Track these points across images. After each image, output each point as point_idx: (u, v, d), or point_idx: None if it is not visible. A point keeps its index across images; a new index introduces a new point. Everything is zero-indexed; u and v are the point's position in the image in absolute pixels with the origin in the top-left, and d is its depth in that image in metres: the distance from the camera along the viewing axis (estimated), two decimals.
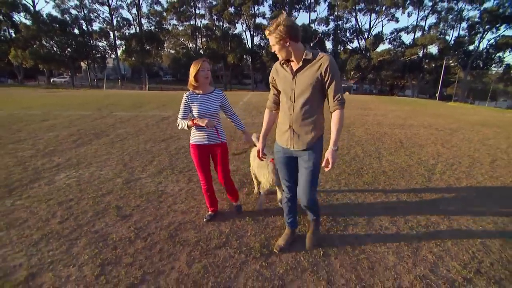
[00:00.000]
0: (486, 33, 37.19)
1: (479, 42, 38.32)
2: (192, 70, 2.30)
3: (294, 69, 1.87)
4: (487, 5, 35.90)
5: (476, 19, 36.95)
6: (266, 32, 1.81)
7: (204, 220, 2.73)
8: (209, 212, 2.80)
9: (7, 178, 3.80)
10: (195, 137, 2.49)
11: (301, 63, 1.83)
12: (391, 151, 5.43)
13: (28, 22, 37.67)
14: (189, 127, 2.35)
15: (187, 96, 2.41)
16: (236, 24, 44.04)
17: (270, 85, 2.11)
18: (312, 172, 1.98)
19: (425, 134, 7.26)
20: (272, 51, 1.86)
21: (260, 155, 2.20)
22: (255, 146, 2.79)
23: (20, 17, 38.43)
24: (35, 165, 4.35)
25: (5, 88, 29.20)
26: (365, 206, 3.12)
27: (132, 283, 1.94)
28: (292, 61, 1.88)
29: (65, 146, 5.52)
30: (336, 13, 42.23)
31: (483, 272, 2.09)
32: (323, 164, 1.87)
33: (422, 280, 1.98)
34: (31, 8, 37.81)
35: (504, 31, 35.99)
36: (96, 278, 1.99)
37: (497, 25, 35.41)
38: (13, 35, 38.48)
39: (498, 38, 36.06)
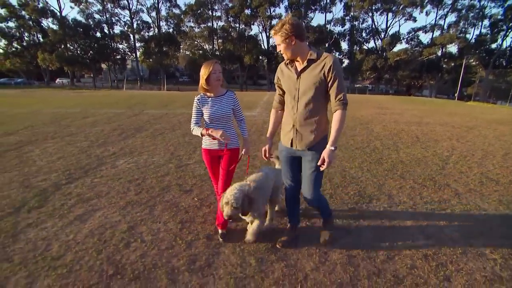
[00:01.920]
0: (510, 30, 36.15)
1: (502, 40, 37.36)
2: (203, 73, 2.20)
3: (299, 69, 1.90)
4: (510, 1, 34.91)
5: (500, 16, 35.98)
6: (272, 32, 1.83)
7: (220, 239, 2.43)
8: (220, 231, 2.50)
9: (78, 163, 4.56)
10: (206, 141, 2.39)
11: (305, 63, 1.86)
12: (408, 145, 5.88)
13: (55, 27, 39.93)
14: (202, 135, 2.27)
15: (197, 100, 2.31)
16: (252, 26, 44.79)
17: (276, 85, 2.14)
18: (315, 172, 2.00)
19: (441, 131, 7.61)
20: (278, 50, 1.89)
21: (267, 155, 2.24)
22: (277, 162, 2.70)
23: (48, 23, 40.70)
24: (95, 153, 5.10)
25: (35, 89, 31.12)
26: (386, 186, 3.64)
27: (208, 234, 2.56)
28: (297, 61, 1.91)
29: (113, 138, 6.29)
30: (352, 13, 42.19)
31: (484, 233, 2.59)
32: (319, 163, 1.87)
33: (434, 237, 2.50)
34: (58, 13, 40.03)
35: None
36: (180, 230, 2.63)
37: None
38: (41, 39, 40.87)
39: None
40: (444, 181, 3.86)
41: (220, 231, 2.51)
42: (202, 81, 2.22)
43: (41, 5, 38.34)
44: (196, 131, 2.28)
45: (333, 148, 1.84)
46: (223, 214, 2.08)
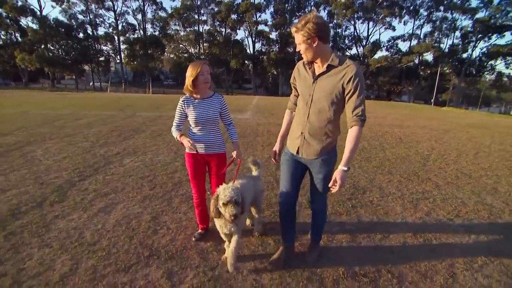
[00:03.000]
0: (478, 42, 38.83)
1: (472, 51, 39.99)
2: (190, 73, 2.06)
3: (317, 73, 1.74)
4: (479, 15, 37.59)
5: (469, 29, 38.61)
6: (293, 29, 1.65)
7: (193, 239, 2.46)
8: (199, 230, 2.56)
9: (85, 161, 4.71)
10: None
11: (325, 68, 1.69)
12: (392, 145, 6.43)
13: (35, 26, 38.62)
14: (177, 140, 2.15)
15: (182, 101, 2.18)
16: (238, 30, 45.36)
17: (292, 85, 2.00)
18: (323, 183, 1.91)
19: (421, 133, 8.30)
20: (297, 50, 1.70)
21: (276, 157, 2.11)
22: (255, 167, 2.61)
23: (27, 21, 39.33)
24: (100, 153, 5.25)
25: (12, 90, 29.91)
26: (376, 180, 4.09)
27: None
28: (316, 63, 1.74)
29: (113, 139, 6.43)
30: (335, 21, 43.71)
31: (460, 216, 3.06)
32: (330, 184, 1.70)
33: (420, 219, 2.94)
34: (38, 12, 38.77)
35: (496, 40, 37.68)
36: None
37: (489, 35, 37.03)
38: (19, 38, 39.36)
39: (490, 47, 37.66)
40: (426, 176, 4.37)
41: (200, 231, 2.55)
42: (188, 82, 2.09)
43: (20, 3, 37.00)
44: (175, 134, 2.17)
45: (345, 168, 1.65)
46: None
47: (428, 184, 4.02)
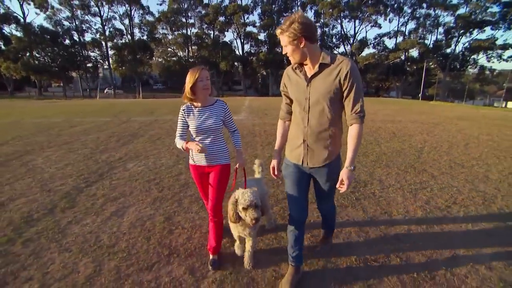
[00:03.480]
0: (461, 37, 40.01)
1: (455, 46, 41.18)
2: (189, 80, 1.97)
3: (309, 74, 1.64)
4: (460, 11, 38.76)
5: (452, 25, 39.75)
6: (278, 31, 1.58)
7: (210, 268, 2.17)
8: (211, 257, 2.25)
9: (88, 168, 4.73)
10: (193, 156, 2.19)
11: (317, 68, 1.59)
12: (387, 140, 6.66)
13: (19, 34, 37.74)
14: (184, 150, 2.05)
15: (183, 110, 2.09)
16: (226, 33, 45.44)
17: (282, 93, 1.88)
18: (330, 190, 1.88)
19: (413, 127, 8.59)
20: (284, 53, 1.63)
21: (276, 173, 1.95)
22: (258, 170, 2.62)
23: (11, 29, 38.43)
24: (101, 159, 5.27)
25: None
26: (375, 174, 4.27)
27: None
28: (306, 65, 1.65)
29: (112, 145, 6.43)
30: (322, 20, 44.31)
31: (457, 203, 3.25)
32: (337, 185, 1.66)
33: (421, 208, 3.12)
34: (22, 20, 37.92)
35: (477, 35, 38.93)
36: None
37: (470, 30, 38.22)
38: (3, 47, 38.42)
39: (471, 42, 38.86)
40: (422, 167, 4.58)
41: (211, 256, 2.24)
42: (186, 89, 1.99)
43: (2, 11, 36.14)
44: (179, 144, 2.07)
45: (352, 168, 1.61)
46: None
47: (424, 175, 4.22)
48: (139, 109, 15.06)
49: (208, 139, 2.11)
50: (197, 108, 2.09)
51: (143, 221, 2.94)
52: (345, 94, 1.59)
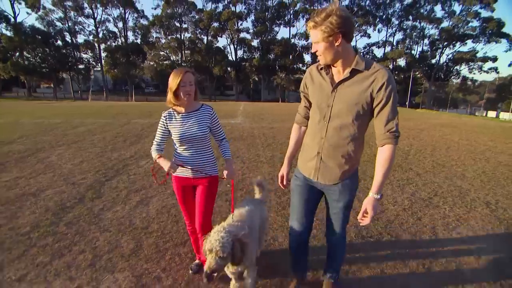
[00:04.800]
0: (445, 48, 41.96)
1: (440, 57, 43.09)
2: (172, 84, 1.79)
3: (336, 79, 1.45)
4: (444, 24, 40.77)
5: (436, 37, 41.70)
6: (310, 24, 1.34)
7: (190, 272, 2.15)
8: (196, 261, 2.25)
9: (104, 165, 5.07)
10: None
11: (347, 73, 1.40)
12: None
13: (8, 33, 37.17)
14: (155, 162, 1.88)
15: (164, 116, 1.89)
16: (219, 38, 46.04)
17: (301, 94, 1.69)
18: (343, 212, 1.64)
19: (400, 132, 9.23)
20: (313, 51, 1.40)
21: (284, 182, 1.77)
22: (260, 189, 2.32)
23: (1, 28, 37.80)
24: (113, 157, 5.60)
25: None
26: (367, 172, 4.78)
27: None
28: (335, 67, 1.44)
29: (120, 145, 6.76)
30: None
31: (438, 195, 3.80)
32: (358, 217, 1.45)
33: (407, 199, 3.64)
34: (12, 19, 37.40)
35: (459, 47, 40.96)
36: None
37: (453, 42, 40.20)
38: None
39: (454, 53, 40.84)
40: (408, 167, 5.15)
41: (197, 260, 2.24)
42: (170, 94, 1.81)
43: None
44: (153, 154, 1.89)
45: (378, 196, 1.41)
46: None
47: (410, 173, 4.78)
48: (136, 112, 15.30)
49: (193, 148, 1.90)
50: (180, 114, 1.89)
51: (168, 208, 3.33)
52: (377, 109, 1.38)
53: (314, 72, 1.57)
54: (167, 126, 1.89)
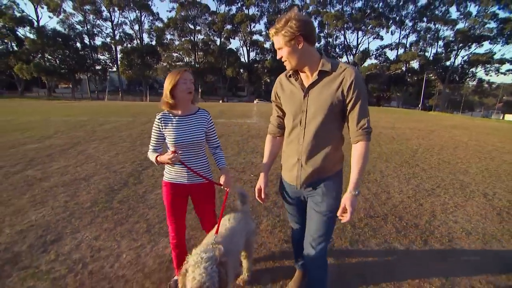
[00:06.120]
0: (460, 50, 41.43)
1: (455, 59, 42.58)
2: (168, 83, 1.70)
3: (306, 84, 1.45)
4: (459, 26, 40.25)
5: (451, 38, 41.19)
6: (272, 31, 1.38)
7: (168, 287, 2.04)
8: (175, 277, 2.08)
9: (137, 156, 5.66)
10: (171, 173, 1.86)
11: (315, 76, 1.40)
12: (387, 142, 7.63)
13: (32, 36, 39.14)
14: (157, 164, 1.78)
15: (158, 119, 1.77)
16: (232, 40, 46.98)
17: (273, 104, 1.67)
18: (325, 219, 1.52)
19: (410, 133, 9.57)
20: (279, 57, 1.42)
21: (262, 196, 1.70)
22: (242, 199, 2.12)
23: (25, 32, 39.85)
24: (144, 150, 6.16)
25: (10, 99, 30.23)
26: (377, 167, 5.21)
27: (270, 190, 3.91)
28: (304, 72, 1.45)
29: (147, 140, 7.31)
30: (326, 30, 45.80)
31: (440, 187, 4.19)
32: (338, 212, 1.44)
33: (412, 189, 4.06)
34: (36, 23, 39.35)
35: (475, 49, 40.33)
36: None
37: (469, 44, 39.62)
38: (15, 48, 39.77)
39: (470, 55, 40.22)
40: (415, 163, 5.54)
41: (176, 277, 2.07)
42: (165, 93, 1.72)
43: (18, 14, 37.55)
44: (151, 157, 1.79)
45: (356, 192, 1.39)
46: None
47: (416, 168, 5.17)
48: (155, 111, 16.00)
49: (188, 153, 1.80)
50: (176, 117, 1.78)
51: None
52: (349, 108, 1.39)
53: (283, 81, 1.57)
54: (162, 129, 1.77)
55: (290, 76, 1.52)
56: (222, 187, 1.82)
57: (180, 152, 1.74)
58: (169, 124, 1.76)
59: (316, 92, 1.41)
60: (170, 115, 1.78)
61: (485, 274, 2.23)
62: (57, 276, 2.14)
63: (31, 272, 2.17)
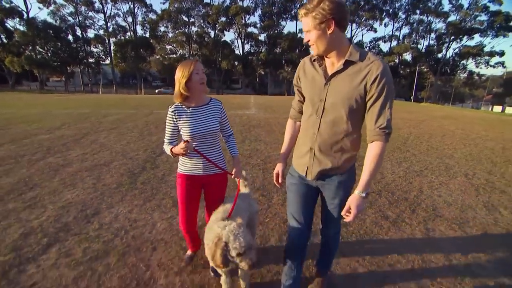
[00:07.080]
0: (451, 43, 42.16)
1: (446, 51, 43.30)
2: (181, 74, 1.69)
3: (330, 71, 1.37)
4: (451, 18, 40.88)
5: (443, 31, 41.85)
6: (301, 12, 1.27)
7: (184, 264, 2.19)
8: (189, 253, 2.25)
9: (148, 145, 6.01)
10: (186, 165, 1.88)
11: (341, 65, 1.31)
12: None
13: (22, 28, 38.29)
14: (173, 156, 1.79)
15: (172, 112, 1.78)
16: (227, 32, 46.71)
17: (295, 88, 1.62)
18: (341, 209, 1.49)
19: (402, 122, 10.11)
20: (305, 41, 1.33)
21: (280, 180, 1.70)
22: (244, 182, 2.13)
23: (15, 23, 38.92)
24: (153, 139, 6.53)
25: (2, 93, 29.84)
26: None
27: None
28: (329, 58, 1.35)
29: (154, 130, 7.70)
30: None
31: (428, 169, 4.69)
32: (342, 212, 1.39)
33: (403, 171, 4.54)
34: (25, 14, 38.45)
35: (466, 41, 41.12)
36: (268, 173, 4.36)
37: (460, 36, 40.34)
38: (4, 40, 38.89)
39: (461, 48, 40.99)
40: (406, 149, 6.04)
41: (189, 252, 2.27)
42: (180, 86, 1.70)
43: (7, 5, 36.62)
44: (167, 150, 1.81)
45: (364, 194, 1.34)
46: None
47: (407, 153, 5.67)
48: (155, 104, 16.26)
49: (204, 144, 1.82)
50: (190, 108, 1.79)
51: None
52: (369, 103, 1.30)
53: (307, 64, 1.50)
54: (176, 121, 1.78)
55: (314, 60, 1.44)
56: (233, 177, 1.94)
57: (194, 143, 1.75)
58: (183, 116, 1.77)
59: (338, 82, 1.34)
60: (183, 107, 1.78)
61: (460, 232, 2.72)
62: (106, 239, 2.54)
63: (83, 237, 2.56)
